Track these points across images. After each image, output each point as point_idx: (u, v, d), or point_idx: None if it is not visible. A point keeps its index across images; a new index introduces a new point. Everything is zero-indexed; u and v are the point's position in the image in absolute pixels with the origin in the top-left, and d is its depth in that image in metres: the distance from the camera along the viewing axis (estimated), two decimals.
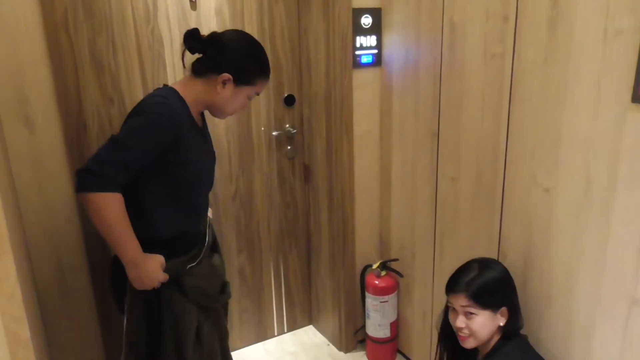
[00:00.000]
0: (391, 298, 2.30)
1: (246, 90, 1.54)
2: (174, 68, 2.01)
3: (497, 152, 1.68)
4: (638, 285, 1.31)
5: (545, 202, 1.53)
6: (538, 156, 1.53)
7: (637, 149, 1.25)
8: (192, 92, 1.50)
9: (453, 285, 1.56)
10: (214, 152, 1.70)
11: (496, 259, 1.73)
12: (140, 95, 1.95)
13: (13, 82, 1.63)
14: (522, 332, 1.58)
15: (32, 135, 1.69)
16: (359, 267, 2.41)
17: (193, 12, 2.01)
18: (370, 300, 2.32)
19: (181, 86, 1.51)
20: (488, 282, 1.52)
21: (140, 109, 1.41)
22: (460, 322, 1.53)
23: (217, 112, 1.58)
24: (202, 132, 1.58)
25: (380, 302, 2.29)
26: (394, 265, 2.31)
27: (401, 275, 2.29)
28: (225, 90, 1.50)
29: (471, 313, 1.50)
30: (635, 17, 1.20)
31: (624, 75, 1.24)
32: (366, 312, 2.37)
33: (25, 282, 1.32)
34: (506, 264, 1.69)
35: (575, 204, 1.44)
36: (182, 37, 1.50)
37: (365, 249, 2.41)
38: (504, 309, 1.50)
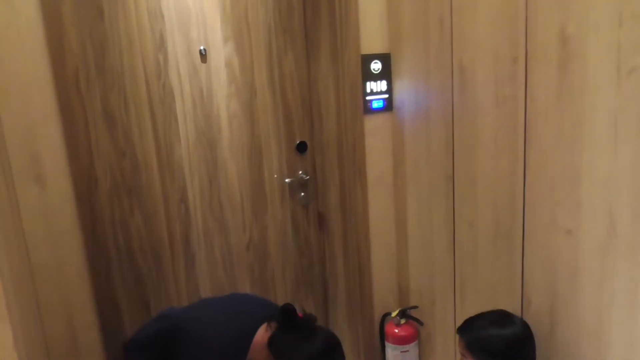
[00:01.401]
0: (412, 347, 2.21)
1: None
2: (185, 120, 2.03)
3: (515, 194, 1.63)
4: None
5: (568, 244, 1.47)
6: (557, 197, 1.48)
7: None
8: (260, 346, 1.57)
9: (460, 328, 1.54)
10: None
11: (520, 310, 1.66)
12: (152, 148, 1.96)
13: (25, 140, 1.66)
14: None
15: (43, 192, 1.70)
16: (377, 316, 2.33)
17: (203, 65, 2.04)
18: (391, 350, 2.23)
19: (260, 335, 1.58)
20: (490, 337, 1.47)
21: None
22: (460, 357, 1.50)
23: None
24: None
25: (401, 351, 2.20)
26: (413, 313, 2.23)
27: (421, 323, 2.20)
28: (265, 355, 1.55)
29: (464, 354, 1.48)
30: None
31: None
32: None
33: (32, 343, 1.29)
34: (531, 310, 1.62)
35: (599, 246, 1.38)
36: (281, 310, 1.59)
37: (383, 297, 2.33)
38: None
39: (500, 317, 1.53)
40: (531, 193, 1.57)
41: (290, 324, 1.58)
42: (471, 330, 1.50)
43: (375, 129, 2.18)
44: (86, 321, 1.81)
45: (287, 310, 1.58)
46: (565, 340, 1.53)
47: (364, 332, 2.31)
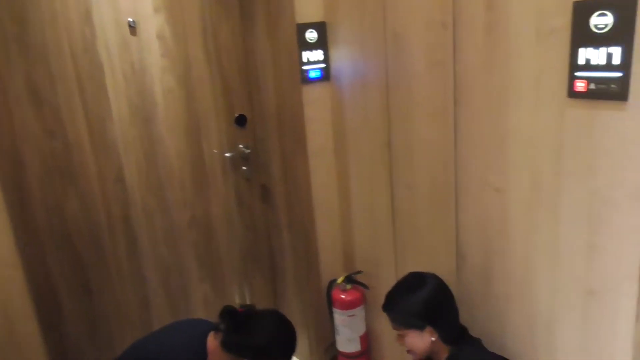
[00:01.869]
0: (358, 311, 2.27)
1: None
2: (116, 96, 1.96)
3: (448, 157, 1.69)
4: (591, 276, 1.32)
5: (498, 202, 1.55)
6: (487, 158, 1.55)
7: (577, 143, 1.28)
8: (214, 352, 1.61)
9: (383, 306, 1.60)
10: None
11: (456, 268, 1.74)
12: (83, 127, 1.89)
13: None
14: (483, 335, 1.58)
15: None
16: (324, 284, 2.38)
17: (134, 38, 1.97)
18: (338, 315, 2.28)
19: (210, 343, 1.62)
20: (408, 306, 1.53)
21: None
22: (397, 339, 1.58)
23: None
24: None
25: (348, 316, 2.26)
26: (358, 277, 2.29)
27: (367, 288, 2.27)
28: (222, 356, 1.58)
29: (400, 334, 1.54)
30: (564, 16, 1.24)
31: (559, 72, 1.27)
32: (335, 327, 2.33)
33: None
34: (466, 268, 1.71)
35: (525, 202, 1.46)
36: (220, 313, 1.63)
37: (329, 265, 2.38)
38: (429, 328, 1.50)
39: (412, 281, 1.59)
40: (462, 155, 1.64)
41: (235, 322, 1.62)
42: (391, 306, 1.56)
43: (313, 99, 2.18)
44: (22, 311, 1.74)
45: (227, 312, 1.64)
46: (497, 293, 1.63)
47: (312, 300, 2.35)
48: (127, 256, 2.08)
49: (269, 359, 1.61)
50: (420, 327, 1.50)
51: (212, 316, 2.36)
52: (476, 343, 1.55)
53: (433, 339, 1.51)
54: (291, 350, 1.66)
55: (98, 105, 1.92)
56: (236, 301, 2.45)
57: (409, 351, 1.57)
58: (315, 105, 2.19)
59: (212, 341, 1.63)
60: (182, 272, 2.24)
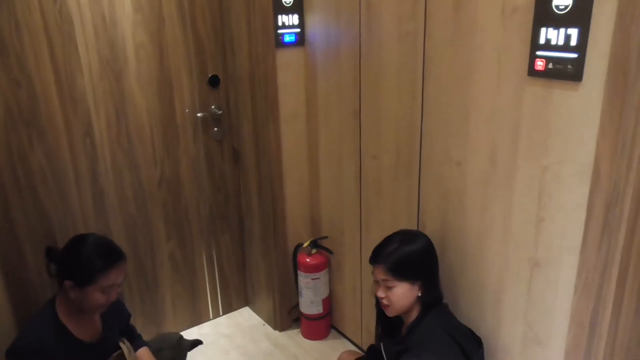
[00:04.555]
0: (322, 275, 2.34)
1: (93, 289, 1.56)
2: (87, 49, 1.92)
3: (414, 129, 1.72)
4: (537, 248, 1.39)
5: (458, 175, 1.59)
6: (450, 132, 1.59)
7: (534, 121, 1.32)
8: (66, 306, 1.61)
9: (373, 257, 1.60)
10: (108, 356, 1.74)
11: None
12: (51, 78, 1.86)
13: None
14: (443, 301, 1.64)
15: None
16: (290, 247, 2.43)
17: None
18: (302, 278, 2.34)
19: (58, 302, 1.62)
20: (405, 256, 1.55)
21: None
22: (380, 292, 1.57)
23: (89, 312, 1.65)
24: (85, 347, 1.64)
25: (312, 279, 2.32)
26: (324, 242, 2.34)
27: (331, 252, 2.33)
28: (76, 294, 1.56)
29: (390, 285, 1.54)
30: None
31: (521, 50, 1.30)
32: (299, 290, 2.40)
33: None
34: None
35: (483, 176, 1.51)
36: None
37: (296, 229, 2.42)
38: (419, 282, 1.54)
39: (405, 236, 1.61)
40: (428, 127, 1.67)
41: (53, 254, 1.66)
42: (388, 256, 1.55)
43: (287, 64, 2.18)
44: None
45: (46, 250, 1.67)
46: (453, 262, 1.69)
47: (278, 263, 2.40)
48: (94, 211, 2.08)
49: (92, 263, 1.57)
50: (413, 280, 1.52)
51: (178, 274, 2.41)
52: (443, 308, 1.59)
53: (419, 294, 1.54)
54: (106, 251, 1.62)
55: (67, 58, 1.89)
56: (204, 258, 2.49)
57: (386, 306, 1.57)
58: (289, 70, 2.19)
59: (58, 296, 1.63)
60: (149, 229, 2.26)
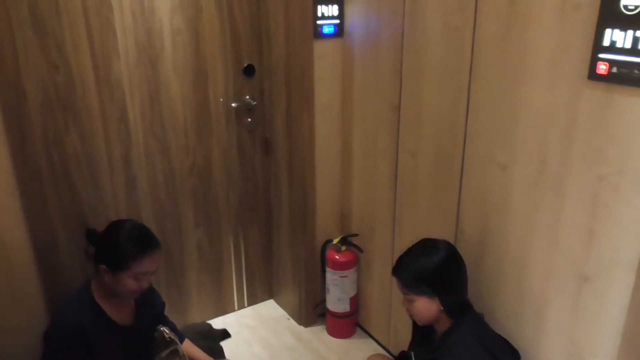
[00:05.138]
0: (351, 273, 2.29)
1: (126, 275, 1.56)
2: (124, 34, 1.90)
3: (457, 127, 1.65)
4: (587, 262, 1.32)
5: (502, 179, 1.53)
6: (495, 132, 1.52)
7: (591, 127, 1.24)
8: (102, 288, 1.61)
9: (393, 269, 1.57)
10: (142, 342, 1.74)
11: (454, 240, 1.73)
12: (88, 63, 1.84)
13: None
14: (478, 310, 1.58)
15: None
16: (319, 242, 2.39)
17: None
18: (330, 275, 2.31)
19: (94, 284, 1.63)
20: (421, 270, 1.50)
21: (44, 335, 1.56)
22: (404, 304, 1.56)
23: (122, 297, 1.66)
24: (119, 329, 1.65)
25: (340, 276, 2.28)
26: (354, 240, 2.30)
27: (361, 251, 2.28)
28: (110, 279, 1.57)
29: (410, 299, 1.51)
30: None
31: (581, 51, 1.22)
32: (326, 286, 2.36)
33: None
34: (463, 240, 1.70)
35: (530, 182, 1.44)
36: None
37: (325, 224, 2.38)
38: (437, 296, 1.49)
39: (426, 246, 1.56)
40: (472, 126, 1.60)
41: (94, 236, 1.65)
42: (403, 269, 1.54)
43: (324, 55, 2.12)
44: (18, 240, 1.76)
45: (86, 232, 1.66)
46: (492, 268, 1.63)
47: (305, 257, 2.37)
48: (126, 197, 2.07)
49: (126, 249, 1.56)
50: (430, 295, 1.48)
51: (205, 263, 2.39)
52: (478, 318, 1.54)
53: (441, 307, 1.50)
54: (141, 238, 1.62)
55: (105, 42, 1.87)
56: (231, 248, 2.47)
57: (412, 316, 1.56)
58: (326, 61, 2.14)
59: (94, 279, 1.63)
60: (179, 216, 2.25)
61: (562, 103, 1.30)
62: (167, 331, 1.74)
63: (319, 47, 2.09)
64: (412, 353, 1.57)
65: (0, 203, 1.70)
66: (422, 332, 1.66)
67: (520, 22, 1.37)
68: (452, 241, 1.75)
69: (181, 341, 1.82)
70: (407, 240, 1.96)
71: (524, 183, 1.45)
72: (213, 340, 2.02)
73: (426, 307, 1.50)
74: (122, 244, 1.57)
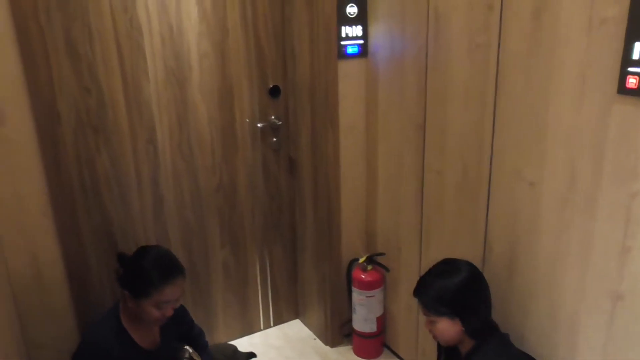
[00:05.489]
0: (377, 293, 2.27)
1: (148, 303, 1.55)
2: (154, 58, 1.96)
3: (483, 145, 1.64)
4: (622, 281, 1.28)
5: (530, 196, 1.50)
6: (523, 149, 1.50)
7: (622, 142, 1.22)
8: (128, 312, 1.61)
9: (414, 291, 1.56)
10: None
11: (482, 258, 1.71)
12: (119, 86, 1.90)
13: None
14: (504, 330, 1.55)
15: (3, 127, 1.63)
16: (345, 261, 2.38)
17: (173, 1, 1.95)
18: (357, 295, 2.29)
19: (122, 308, 1.63)
20: (441, 291, 1.49)
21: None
22: (426, 324, 1.55)
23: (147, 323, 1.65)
24: (145, 353, 1.65)
25: (367, 296, 2.26)
26: (380, 259, 2.28)
27: (387, 270, 2.26)
28: (133, 305, 1.57)
29: (431, 320, 1.50)
30: (620, 6, 1.17)
31: (609, 66, 1.21)
32: (352, 306, 2.34)
33: None
34: (492, 259, 1.68)
35: (559, 199, 1.41)
36: None
37: (351, 243, 2.37)
38: (458, 318, 1.47)
39: (446, 267, 1.54)
40: (498, 144, 1.59)
41: (123, 260, 1.65)
42: (423, 290, 1.53)
43: (349, 75, 2.14)
44: (51, 258, 1.80)
45: (118, 256, 1.66)
46: (522, 288, 1.59)
47: (331, 276, 2.36)
48: (153, 216, 2.11)
49: (148, 277, 1.55)
50: (451, 316, 1.47)
51: (231, 282, 2.40)
52: (502, 338, 1.51)
53: (462, 328, 1.48)
54: (164, 266, 1.61)
55: (135, 66, 1.93)
56: (257, 267, 2.48)
57: (435, 337, 1.55)
58: (350, 81, 2.16)
59: (122, 302, 1.64)
60: (205, 236, 2.27)
61: (592, 118, 1.28)
62: (191, 351, 1.75)
63: (343, 67, 2.11)
64: None
65: (34, 223, 1.74)
66: (446, 353, 1.64)
67: (546, 38, 1.36)
68: (480, 260, 1.72)
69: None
70: (433, 259, 1.93)
71: (554, 200, 1.43)
72: None
73: (448, 328, 1.48)
74: (144, 270, 1.57)
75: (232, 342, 2.49)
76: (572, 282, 1.42)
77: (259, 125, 2.27)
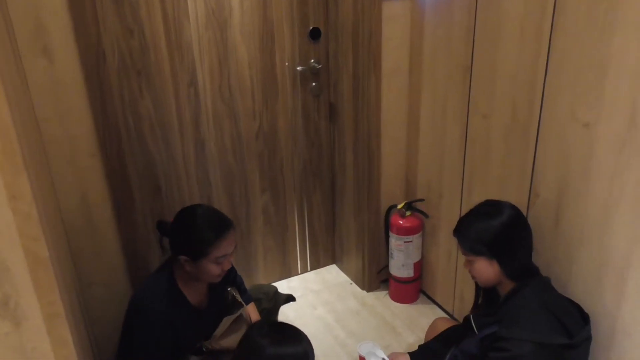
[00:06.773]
0: (415, 238, 2.27)
1: (207, 261, 1.56)
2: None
3: (535, 85, 1.58)
4: None
5: (584, 138, 1.45)
6: (579, 89, 1.43)
7: None
8: (184, 277, 1.62)
9: (454, 230, 1.55)
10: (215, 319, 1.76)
11: (527, 204, 1.67)
12: (160, 28, 1.89)
13: (29, 10, 1.58)
14: (552, 274, 1.53)
15: (52, 65, 1.65)
16: (383, 208, 2.38)
17: None
18: (394, 240, 2.30)
19: (175, 270, 1.63)
20: (480, 232, 1.47)
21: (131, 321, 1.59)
22: (465, 264, 1.55)
23: (205, 282, 1.69)
24: (197, 312, 1.67)
25: (405, 242, 2.27)
26: (419, 205, 2.27)
27: (427, 216, 2.25)
28: (192, 268, 1.58)
29: (470, 259, 1.50)
30: None
31: None
32: (390, 252, 2.36)
33: (49, 209, 1.32)
34: (537, 204, 1.64)
35: (617, 140, 1.35)
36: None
37: (390, 189, 2.36)
38: (495, 259, 1.46)
39: (488, 209, 1.52)
40: (552, 84, 1.52)
41: (164, 227, 1.67)
42: (463, 230, 1.52)
43: (393, 17, 2.07)
44: (100, 198, 1.85)
45: (157, 224, 1.70)
46: (569, 233, 1.56)
47: (369, 223, 2.36)
48: (195, 160, 2.13)
49: (204, 237, 1.56)
50: (488, 257, 1.46)
51: (270, 226, 2.44)
52: (543, 281, 1.49)
53: (500, 270, 1.47)
54: (214, 223, 1.60)
55: (176, 7, 1.90)
56: (295, 213, 2.50)
57: (473, 277, 1.55)
58: (395, 23, 2.09)
59: (175, 265, 1.64)
60: (245, 181, 2.30)
61: None
62: (235, 293, 1.79)
63: (388, 8, 2.04)
64: (472, 316, 1.54)
65: (84, 163, 1.79)
66: (485, 295, 1.64)
67: None
68: (525, 205, 1.69)
69: (247, 303, 1.87)
70: (476, 204, 1.91)
71: (610, 142, 1.37)
72: (276, 303, 2.06)
73: (485, 268, 1.48)
74: (198, 232, 1.56)
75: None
76: (625, 226, 1.38)
77: (298, 68, 2.24)
